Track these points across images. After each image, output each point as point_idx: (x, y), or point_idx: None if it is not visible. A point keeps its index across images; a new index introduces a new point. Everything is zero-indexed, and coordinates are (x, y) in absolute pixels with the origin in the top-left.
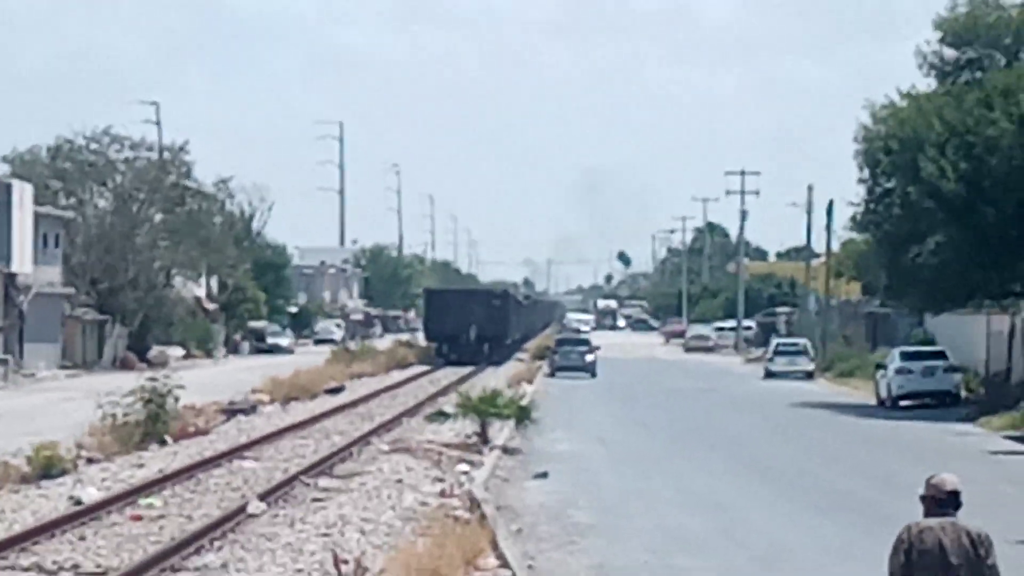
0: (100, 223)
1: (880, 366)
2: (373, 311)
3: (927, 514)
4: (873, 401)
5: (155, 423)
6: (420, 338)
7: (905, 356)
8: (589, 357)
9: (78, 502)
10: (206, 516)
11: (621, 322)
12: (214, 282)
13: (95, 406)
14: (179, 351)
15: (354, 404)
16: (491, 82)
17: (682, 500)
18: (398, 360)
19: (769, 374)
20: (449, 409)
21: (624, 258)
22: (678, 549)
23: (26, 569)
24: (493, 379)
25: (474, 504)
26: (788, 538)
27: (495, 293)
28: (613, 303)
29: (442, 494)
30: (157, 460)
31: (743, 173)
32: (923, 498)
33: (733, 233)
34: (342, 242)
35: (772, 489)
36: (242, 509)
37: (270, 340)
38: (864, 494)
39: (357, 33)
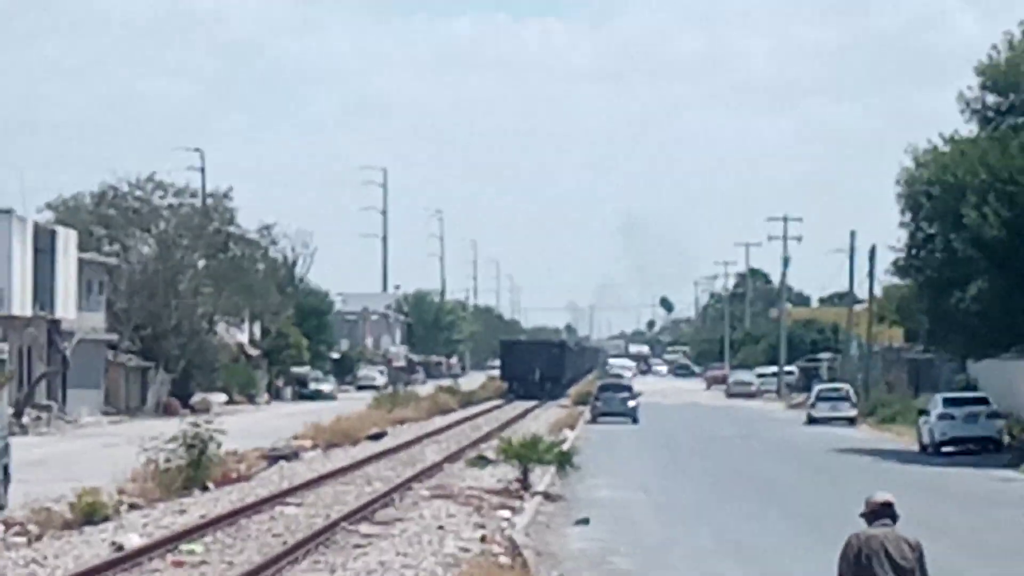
0: (144, 269)
1: (923, 412)
2: (415, 357)
3: (869, 525)
4: (916, 447)
5: (197, 469)
6: (462, 384)
7: (948, 402)
8: (631, 403)
9: (120, 548)
10: (247, 562)
11: (663, 367)
12: (257, 328)
13: (138, 452)
14: (222, 397)
15: (396, 450)
16: (532, 127)
17: (723, 547)
18: (440, 406)
19: (811, 420)
20: (490, 455)
21: (666, 304)
22: None
23: None
24: (535, 424)
25: (515, 550)
26: None
27: (554, 343)
28: (645, 348)
29: (483, 540)
30: (199, 506)
31: (785, 219)
32: (863, 515)
33: (775, 279)
34: (385, 288)
35: (813, 536)
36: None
37: (312, 386)
38: None
39: (398, 79)
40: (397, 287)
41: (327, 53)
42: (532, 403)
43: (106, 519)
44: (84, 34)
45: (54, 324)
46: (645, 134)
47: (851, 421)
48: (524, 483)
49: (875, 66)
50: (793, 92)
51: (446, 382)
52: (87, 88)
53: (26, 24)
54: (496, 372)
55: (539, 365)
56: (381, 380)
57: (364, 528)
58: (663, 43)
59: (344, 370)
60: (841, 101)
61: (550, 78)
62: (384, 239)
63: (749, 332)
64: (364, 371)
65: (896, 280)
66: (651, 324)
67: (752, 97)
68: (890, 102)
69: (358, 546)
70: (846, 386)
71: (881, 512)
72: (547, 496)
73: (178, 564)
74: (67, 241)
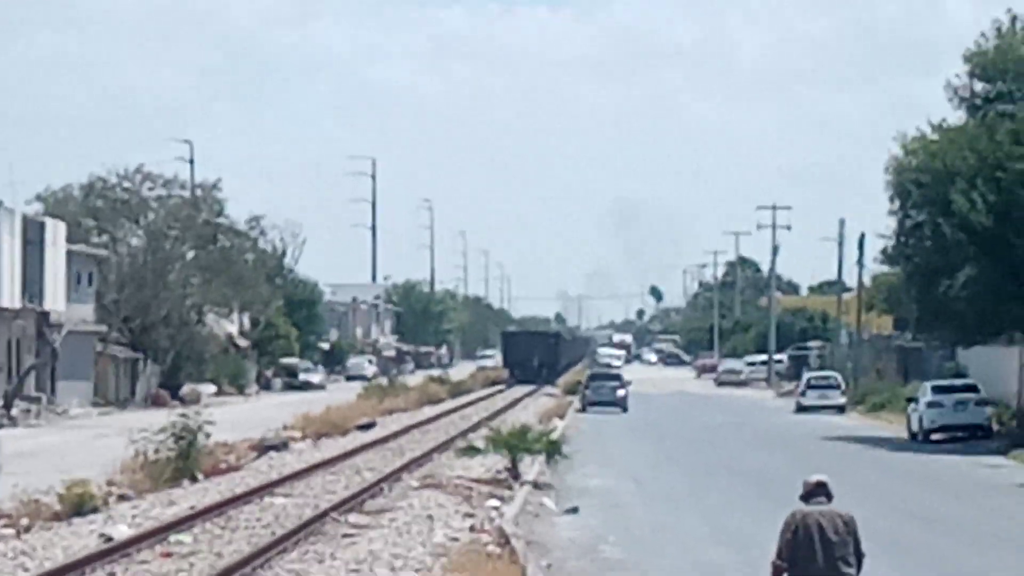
0: (133, 261)
1: (912, 400)
2: (405, 347)
3: (806, 504)
4: (905, 435)
5: (186, 460)
6: (452, 374)
7: (937, 390)
8: (621, 392)
9: (108, 539)
10: (236, 552)
11: (653, 356)
12: (246, 319)
13: (127, 443)
14: (211, 388)
15: (385, 440)
16: (523, 117)
17: (713, 535)
18: (430, 396)
19: (801, 408)
20: (480, 444)
21: (656, 292)
22: None
23: None
24: (524, 414)
25: (504, 539)
26: None
27: (551, 334)
28: (629, 338)
29: (472, 529)
30: (188, 497)
31: (774, 208)
32: (801, 496)
33: (765, 267)
34: (374, 278)
35: None
36: None
37: (302, 376)
38: (894, 528)
39: (389, 70)
40: (387, 277)
41: (318, 44)
42: (524, 391)
43: (95, 510)
44: (76, 25)
45: (43, 316)
46: (637, 123)
47: (840, 409)
48: (513, 472)
49: (867, 55)
50: (785, 81)
51: (436, 372)
52: (78, 79)
53: (18, 16)
54: (485, 362)
55: (537, 353)
56: (371, 370)
57: (353, 518)
58: (655, 32)
59: (334, 360)
60: (833, 90)
61: (542, 68)
62: (373, 229)
63: (739, 321)
64: (353, 361)
65: (885, 268)
66: (641, 313)
67: (744, 86)
68: (882, 91)
69: (347, 536)
70: (835, 374)
71: (816, 491)
72: (536, 485)
73: (167, 555)
74: (56, 233)
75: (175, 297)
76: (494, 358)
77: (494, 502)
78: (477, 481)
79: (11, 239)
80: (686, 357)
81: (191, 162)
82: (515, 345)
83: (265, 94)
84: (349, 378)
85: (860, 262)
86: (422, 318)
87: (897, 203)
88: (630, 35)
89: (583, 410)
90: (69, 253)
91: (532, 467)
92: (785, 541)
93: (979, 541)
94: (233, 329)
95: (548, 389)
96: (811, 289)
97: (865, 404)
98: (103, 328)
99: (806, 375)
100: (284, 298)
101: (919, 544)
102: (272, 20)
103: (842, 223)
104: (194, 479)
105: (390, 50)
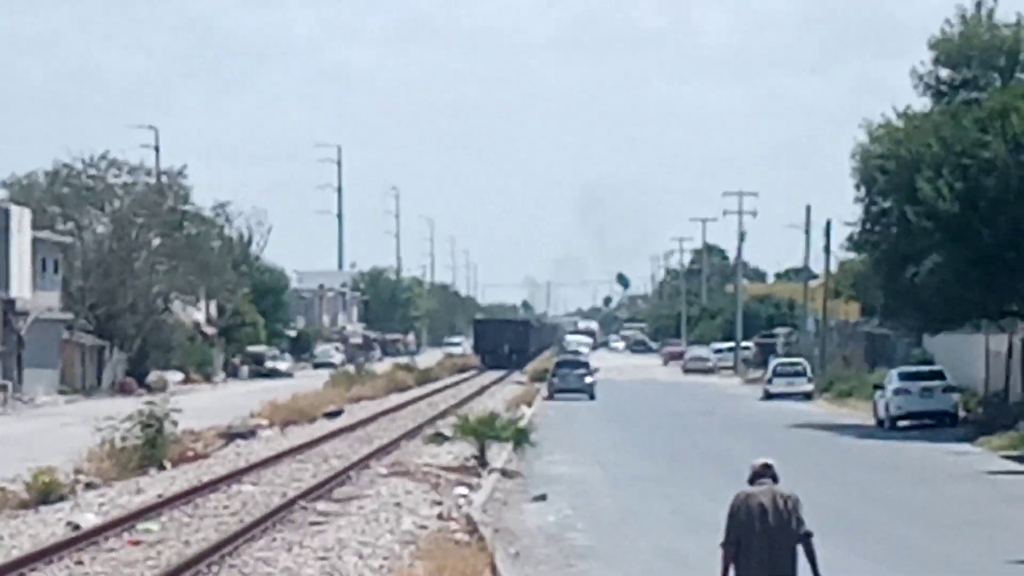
0: (98, 248)
1: (878, 386)
2: (372, 334)
3: (751, 485)
4: (872, 422)
5: (153, 448)
6: (419, 361)
7: (903, 376)
8: (588, 379)
9: (76, 527)
10: (204, 541)
11: (620, 344)
12: (213, 306)
13: (93, 431)
14: (178, 376)
15: (353, 427)
16: (490, 101)
17: (680, 522)
18: (397, 384)
19: (768, 395)
20: (447, 432)
21: (623, 280)
22: (675, 571)
23: None
24: (492, 402)
25: (472, 527)
26: None
27: (520, 321)
28: (594, 325)
29: (440, 517)
30: (155, 485)
31: (741, 194)
32: (749, 479)
33: (731, 254)
34: (340, 265)
35: None
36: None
37: (269, 364)
38: (854, 511)
39: (355, 53)
40: (353, 264)
41: (283, 26)
42: (492, 378)
43: (62, 499)
44: (40, 7)
45: (9, 303)
46: (604, 107)
47: (807, 396)
48: (481, 460)
49: (836, 38)
50: (753, 64)
51: (403, 360)
52: (43, 62)
53: None
54: (453, 350)
55: (507, 341)
56: (338, 358)
57: (321, 506)
58: (622, 14)
59: (301, 348)
60: (801, 73)
61: (509, 50)
62: (340, 216)
63: (706, 308)
64: (321, 349)
65: (852, 255)
66: (608, 300)
67: (712, 69)
68: (851, 74)
69: (315, 524)
70: (802, 361)
71: (762, 473)
72: (504, 473)
73: (135, 543)
74: (21, 219)
75: (141, 284)
76: (461, 345)
77: (462, 490)
78: (445, 469)
79: None
80: (653, 344)
81: (156, 149)
82: (486, 332)
83: (228, 78)
84: (316, 366)
85: (827, 249)
86: (389, 305)
87: (863, 190)
88: (597, 17)
89: (550, 398)
90: (34, 240)
91: (500, 455)
92: (730, 522)
93: (937, 525)
94: (200, 316)
95: (516, 376)
96: (778, 276)
97: (832, 391)
98: (69, 316)
99: (773, 362)
100: (251, 285)
101: (877, 527)
102: (236, 2)
103: (808, 210)
104: (161, 467)
105: (355, 34)
